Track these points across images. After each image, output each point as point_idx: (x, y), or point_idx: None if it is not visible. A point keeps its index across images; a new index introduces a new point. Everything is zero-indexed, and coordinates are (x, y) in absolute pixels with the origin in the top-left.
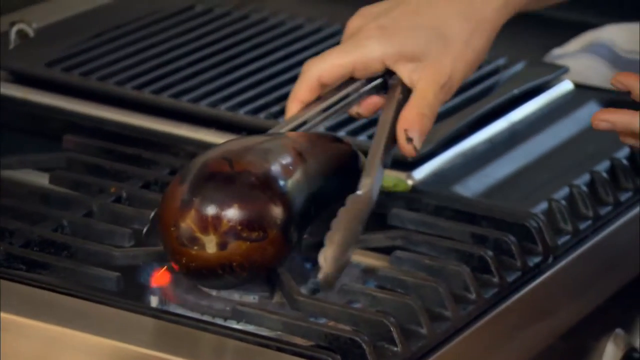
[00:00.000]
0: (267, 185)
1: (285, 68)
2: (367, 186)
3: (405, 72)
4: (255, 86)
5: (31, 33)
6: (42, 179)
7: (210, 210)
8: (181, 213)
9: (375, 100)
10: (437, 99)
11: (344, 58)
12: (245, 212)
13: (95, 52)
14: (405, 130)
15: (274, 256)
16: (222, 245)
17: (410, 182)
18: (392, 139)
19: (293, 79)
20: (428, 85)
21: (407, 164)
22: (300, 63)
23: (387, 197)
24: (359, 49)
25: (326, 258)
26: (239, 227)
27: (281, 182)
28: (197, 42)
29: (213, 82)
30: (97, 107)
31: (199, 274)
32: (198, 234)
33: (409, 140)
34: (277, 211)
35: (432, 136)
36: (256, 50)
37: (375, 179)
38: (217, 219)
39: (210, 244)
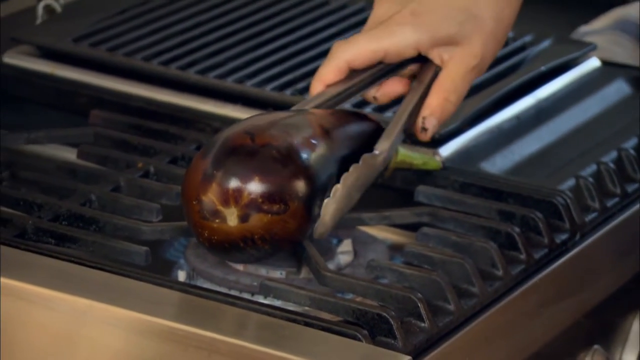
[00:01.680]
0: (288, 158)
1: (311, 44)
2: (384, 148)
3: (437, 57)
4: (282, 62)
5: (58, 9)
6: (69, 154)
7: (231, 183)
8: (202, 186)
9: (394, 88)
10: (466, 81)
11: (376, 44)
12: (265, 185)
13: (121, 27)
14: (424, 118)
15: (296, 229)
16: (243, 218)
17: (438, 159)
18: (414, 116)
19: (319, 56)
20: (458, 68)
21: (435, 141)
22: (325, 40)
23: (414, 174)
24: (393, 36)
25: (327, 211)
26: (260, 200)
27: (304, 156)
28: (224, 18)
29: (239, 58)
30: (123, 82)
31: (221, 247)
32: (219, 207)
33: (424, 130)
34: (298, 184)
35: (459, 113)
36: (282, 26)
37: (393, 143)
38: (238, 191)
39: (232, 217)
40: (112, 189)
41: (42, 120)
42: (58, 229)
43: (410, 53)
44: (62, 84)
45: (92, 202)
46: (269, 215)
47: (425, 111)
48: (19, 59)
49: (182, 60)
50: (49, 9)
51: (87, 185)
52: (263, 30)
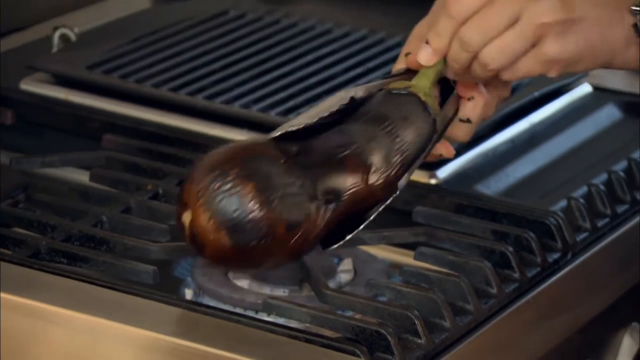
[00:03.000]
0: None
1: (314, 71)
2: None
3: None
4: (286, 88)
5: (73, 37)
6: (82, 177)
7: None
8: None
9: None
10: None
11: None
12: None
13: (133, 55)
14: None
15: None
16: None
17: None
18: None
19: (322, 82)
20: None
21: (432, 164)
22: (328, 66)
23: (412, 195)
24: None
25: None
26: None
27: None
28: (231, 46)
29: (245, 84)
30: (135, 108)
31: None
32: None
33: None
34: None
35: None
36: (287, 54)
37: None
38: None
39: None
40: (123, 210)
41: (57, 144)
42: (70, 249)
43: None
44: (76, 110)
45: (103, 223)
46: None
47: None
48: (35, 86)
49: (191, 86)
50: (64, 38)
51: (98, 207)
52: (268, 57)
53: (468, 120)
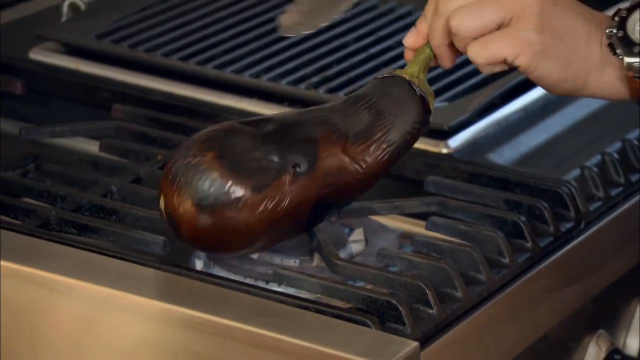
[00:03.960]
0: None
1: (325, 40)
2: None
3: None
4: (296, 58)
5: (82, 7)
6: (92, 147)
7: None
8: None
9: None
10: None
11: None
12: None
13: (142, 25)
14: None
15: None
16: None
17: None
18: None
19: (332, 51)
20: None
21: (444, 133)
22: (338, 36)
23: (424, 165)
24: None
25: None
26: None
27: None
28: (240, 15)
29: (256, 53)
30: (144, 77)
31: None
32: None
33: None
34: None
35: (467, 105)
36: None
37: None
38: None
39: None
40: (132, 180)
41: (66, 114)
42: (80, 219)
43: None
44: (85, 79)
45: (113, 194)
46: None
47: None
48: (45, 56)
49: (201, 55)
50: (73, 7)
51: (108, 177)
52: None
53: None
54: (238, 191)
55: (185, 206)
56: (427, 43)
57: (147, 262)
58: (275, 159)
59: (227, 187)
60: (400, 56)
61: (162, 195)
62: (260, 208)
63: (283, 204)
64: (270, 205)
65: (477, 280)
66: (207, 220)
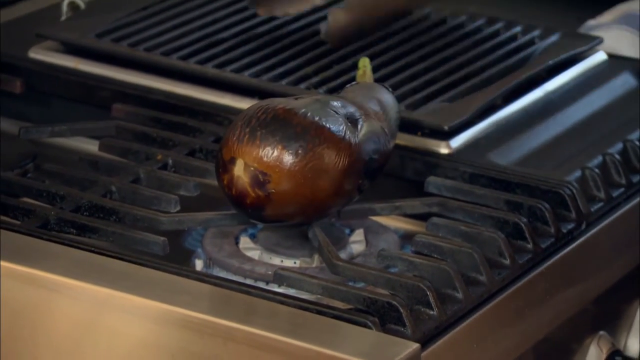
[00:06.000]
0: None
1: (325, 40)
2: None
3: None
4: (296, 58)
5: (82, 5)
6: (92, 146)
7: None
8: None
9: None
10: None
11: None
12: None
13: (142, 24)
14: None
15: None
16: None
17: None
18: None
19: (332, 51)
20: None
21: (445, 133)
22: None
23: (424, 165)
24: None
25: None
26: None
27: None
28: (240, 15)
29: (256, 53)
30: (144, 76)
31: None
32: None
33: None
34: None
35: (468, 106)
36: (296, 22)
37: None
38: None
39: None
40: (132, 180)
41: (66, 113)
42: (79, 219)
43: None
44: (85, 79)
45: (113, 194)
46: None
47: None
48: (44, 54)
49: (201, 55)
50: (73, 6)
51: (108, 177)
52: (278, 25)
53: None
54: (325, 132)
55: (277, 153)
56: None
57: (147, 262)
58: (340, 110)
59: (312, 130)
60: (400, 56)
61: (239, 160)
62: (343, 150)
63: (356, 154)
64: (350, 150)
65: (478, 282)
66: (299, 164)
